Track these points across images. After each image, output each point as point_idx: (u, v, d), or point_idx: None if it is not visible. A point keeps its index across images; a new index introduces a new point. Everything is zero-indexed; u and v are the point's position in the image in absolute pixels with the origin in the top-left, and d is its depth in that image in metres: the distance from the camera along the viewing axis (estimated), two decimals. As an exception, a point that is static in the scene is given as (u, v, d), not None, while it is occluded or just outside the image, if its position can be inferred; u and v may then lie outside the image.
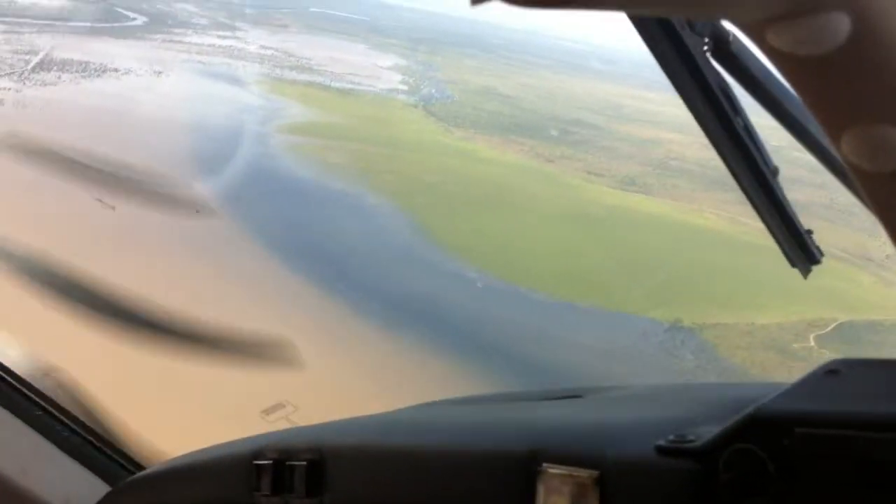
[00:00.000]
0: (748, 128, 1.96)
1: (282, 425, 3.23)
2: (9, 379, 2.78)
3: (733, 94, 1.92)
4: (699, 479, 1.51)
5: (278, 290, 25.96)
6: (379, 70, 57.72)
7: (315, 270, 27.14)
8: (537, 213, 35.41)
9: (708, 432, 1.55)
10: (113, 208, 26.52)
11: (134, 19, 58.13)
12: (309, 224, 32.09)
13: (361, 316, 24.59)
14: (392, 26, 69.16)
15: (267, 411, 17.72)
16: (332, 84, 52.53)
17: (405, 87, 55.23)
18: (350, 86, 52.96)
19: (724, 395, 1.89)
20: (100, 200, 26.10)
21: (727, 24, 1.44)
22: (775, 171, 2.02)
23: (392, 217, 33.57)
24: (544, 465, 1.68)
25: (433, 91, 55.07)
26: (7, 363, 2.80)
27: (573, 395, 2.38)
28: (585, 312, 27.36)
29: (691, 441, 1.56)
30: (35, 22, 51.00)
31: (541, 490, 1.67)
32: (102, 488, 2.80)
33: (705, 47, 1.83)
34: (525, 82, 49.13)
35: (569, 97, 51.28)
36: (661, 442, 1.59)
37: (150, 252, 26.19)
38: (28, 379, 2.84)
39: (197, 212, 28.28)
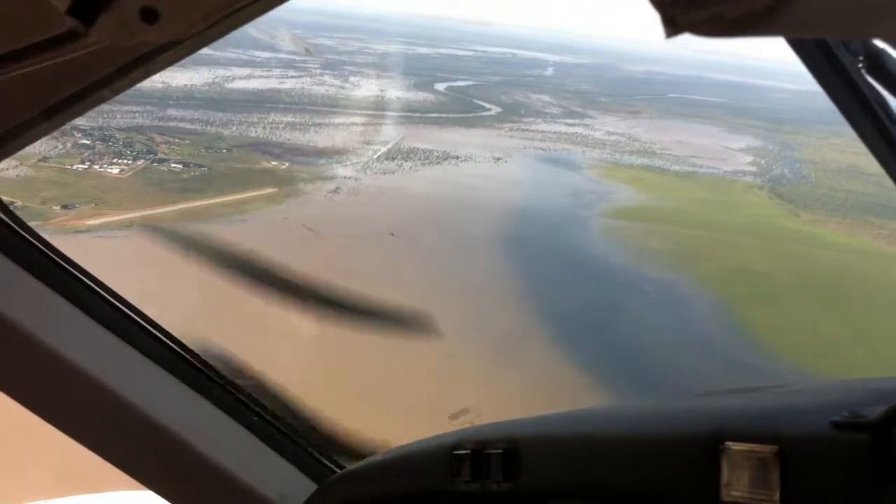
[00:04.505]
0: None
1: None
2: (230, 389, 3.04)
3: (889, 106, 2.03)
4: (873, 450, 1.59)
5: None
6: (727, 152, 53.64)
7: (607, 367, 24.20)
8: (892, 310, 28.88)
9: (879, 410, 1.62)
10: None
11: (489, 110, 60.50)
12: (606, 312, 29.15)
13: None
14: (756, 108, 64.81)
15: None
16: (672, 167, 49.83)
17: (753, 169, 50.65)
18: (691, 168, 50.00)
19: (891, 384, 1.92)
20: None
21: (879, 43, 1.78)
22: None
23: (706, 309, 29.43)
24: (727, 443, 1.76)
25: (785, 171, 50.59)
26: (226, 373, 3.05)
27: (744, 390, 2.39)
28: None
29: (865, 416, 1.62)
30: (394, 114, 54.93)
31: (725, 466, 1.75)
32: (309, 486, 3.06)
33: (860, 64, 1.92)
34: (901, 159, 42.07)
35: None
36: (837, 418, 1.65)
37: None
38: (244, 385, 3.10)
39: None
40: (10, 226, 2.61)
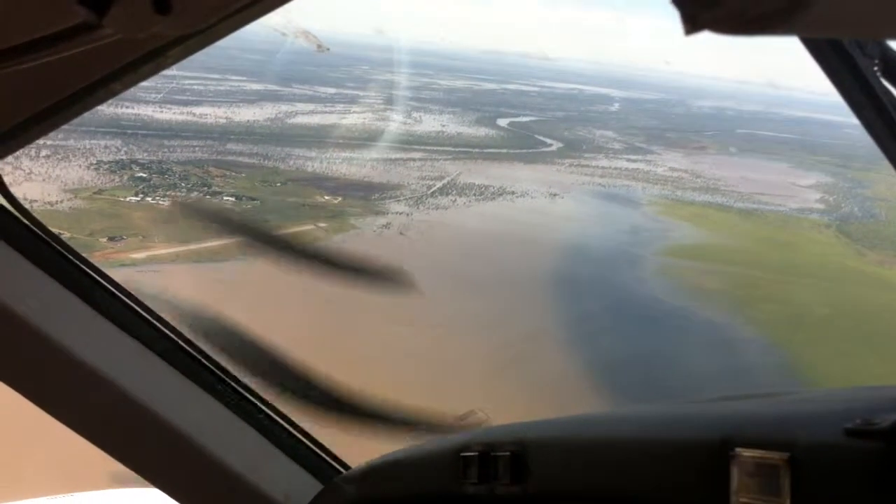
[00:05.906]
0: None
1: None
2: (238, 386, 3.04)
3: None
4: (886, 458, 1.58)
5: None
6: (795, 189, 52.02)
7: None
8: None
9: (893, 418, 1.60)
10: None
11: (549, 145, 59.85)
12: (651, 358, 28.01)
13: None
14: (826, 144, 62.76)
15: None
16: (735, 204, 48.40)
17: (821, 206, 49.01)
18: (755, 206, 48.45)
19: None
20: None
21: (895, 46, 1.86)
22: None
23: (761, 354, 28.04)
24: (737, 449, 1.76)
25: (854, 209, 48.76)
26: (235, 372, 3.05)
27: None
28: None
29: (878, 424, 1.61)
30: (453, 149, 54.70)
31: (734, 473, 1.75)
32: (314, 486, 3.10)
33: (875, 68, 1.94)
34: None
35: None
36: (849, 425, 1.64)
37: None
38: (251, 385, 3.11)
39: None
40: (23, 223, 2.64)
